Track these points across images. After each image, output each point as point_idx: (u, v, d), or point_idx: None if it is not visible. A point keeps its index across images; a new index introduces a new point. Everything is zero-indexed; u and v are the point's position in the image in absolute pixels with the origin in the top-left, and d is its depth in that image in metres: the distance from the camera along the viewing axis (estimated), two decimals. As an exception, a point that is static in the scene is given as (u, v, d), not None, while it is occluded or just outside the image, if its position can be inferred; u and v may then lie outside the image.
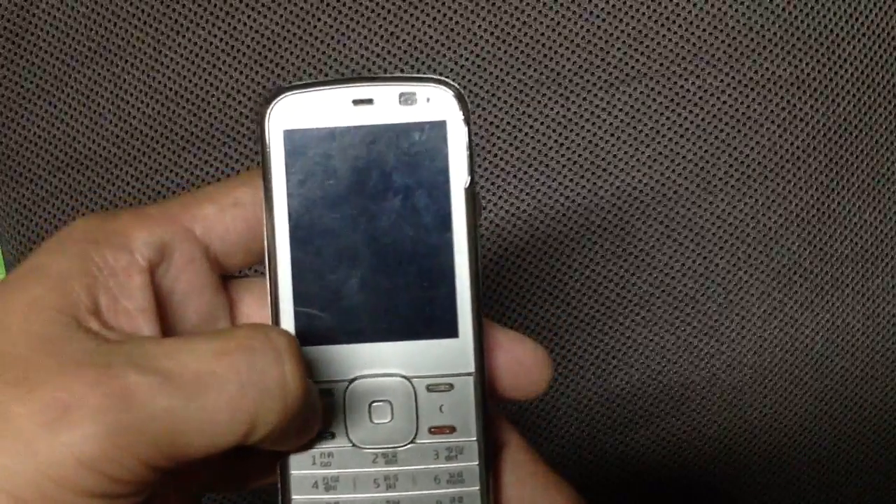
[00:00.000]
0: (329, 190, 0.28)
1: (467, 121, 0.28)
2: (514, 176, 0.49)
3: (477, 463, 0.28)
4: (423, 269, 0.28)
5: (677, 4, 0.47)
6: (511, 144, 0.49)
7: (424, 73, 0.29)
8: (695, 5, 0.47)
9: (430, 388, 0.28)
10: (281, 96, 0.27)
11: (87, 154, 0.48)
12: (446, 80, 0.28)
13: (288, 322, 0.27)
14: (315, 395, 0.26)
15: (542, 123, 0.48)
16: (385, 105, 0.27)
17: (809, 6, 0.48)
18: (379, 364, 0.28)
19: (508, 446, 0.29)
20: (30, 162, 0.48)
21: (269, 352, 0.23)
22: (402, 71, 0.47)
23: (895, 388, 0.52)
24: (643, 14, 0.47)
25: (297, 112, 0.27)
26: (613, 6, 0.47)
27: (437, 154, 0.28)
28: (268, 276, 0.27)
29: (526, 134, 0.48)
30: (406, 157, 0.28)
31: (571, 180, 0.49)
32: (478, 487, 0.28)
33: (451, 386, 0.28)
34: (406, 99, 0.27)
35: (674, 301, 0.50)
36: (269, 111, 0.27)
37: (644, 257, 0.50)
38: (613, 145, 0.49)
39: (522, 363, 0.28)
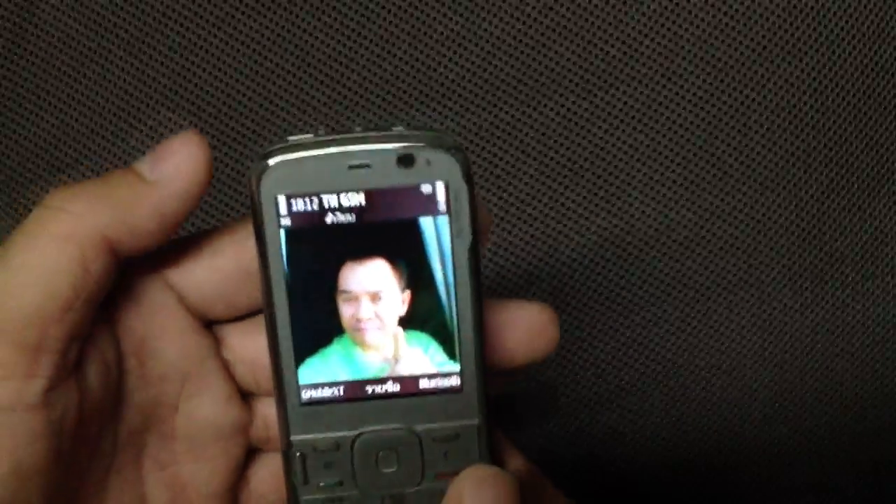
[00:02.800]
0: (328, 254, 0.27)
1: (468, 180, 0.27)
2: (514, 176, 0.49)
3: None
4: (427, 329, 0.28)
5: (677, 5, 0.47)
6: (511, 145, 0.49)
7: (427, 127, 0.28)
8: (695, 6, 0.47)
9: (435, 439, 0.28)
10: (272, 160, 0.26)
11: (87, 155, 0.48)
12: (447, 137, 0.27)
13: (292, 386, 0.28)
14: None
15: (542, 124, 0.48)
16: (382, 169, 0.26)
17: (809, 6, 0.48)
18: (385, 418, 0.28)
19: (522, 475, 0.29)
20: (30, 163, 0.48)
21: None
22: (400, 71, 0.47)
23: (895, 388, 0.52)
24: (642, 14, 0.47)
25: (290, 176, 0.26)
26: (613, 6, 0.47)
27: (439, 216, 0.27)
28: (269, 342, 0.28)
29: (526, 134, 0.48)
30: (406, 219, 0.27)
31: (571, 180, 0.49)
32: None
33: (457, 435, 0.28)
34: (404, 161, 0.26)
35: (675, 301, 0.51)
36: (260, 175, 0.26)
37: (644, 257, 0.50)
38: (613, 145, 0.49)
39: (531, 327, 0.29)
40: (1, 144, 0.48)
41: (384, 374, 0.28)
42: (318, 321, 0.28)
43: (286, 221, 0.27)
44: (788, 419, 0.52)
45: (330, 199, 0.26)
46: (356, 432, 0.28)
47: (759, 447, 0.53)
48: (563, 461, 0.53)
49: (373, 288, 0.27)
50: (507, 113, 0.48)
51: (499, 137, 0.48)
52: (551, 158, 0.49)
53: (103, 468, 0.28)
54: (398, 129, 0.27)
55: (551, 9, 0.47)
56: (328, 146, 0.26)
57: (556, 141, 0.49)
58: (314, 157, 0.26)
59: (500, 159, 0.49)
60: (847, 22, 0.48)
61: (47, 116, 0.48)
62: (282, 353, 0.28)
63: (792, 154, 0.49)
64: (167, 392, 0.28)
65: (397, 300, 0.28)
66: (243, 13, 0.47)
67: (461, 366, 0.28)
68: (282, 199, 0.26)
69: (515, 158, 0.49)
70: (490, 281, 0.50)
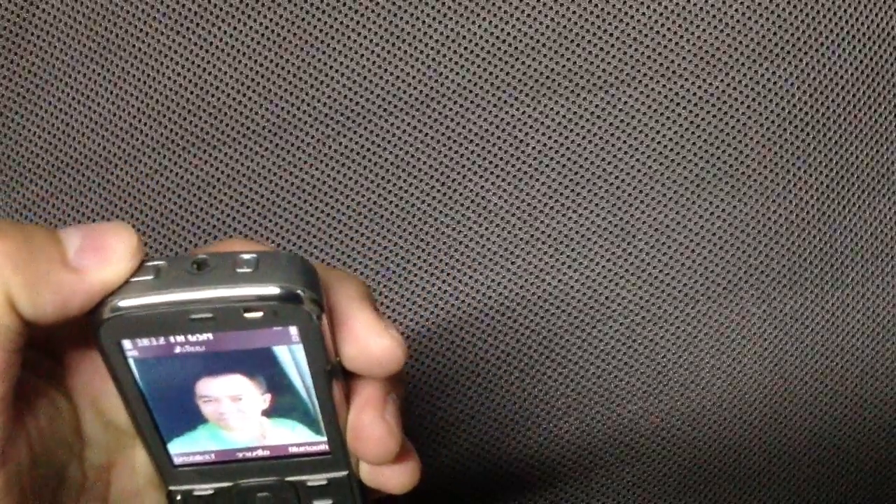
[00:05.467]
0: (182, 374, 0.27)
1: (319, 317, 0.26)
2: (514, 176, 0.49)
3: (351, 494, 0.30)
4: (292, 417, 0.28)
5: (677, 4, 0.47)
6: (511, 144, 0.49)
7: (276, 258, 0.26)
8: (694, 6, 0.47)
9: (309, 485, 0.30)
10: (112, 304, 0.25)
11: (87, 154, 0.48)
12: (294, 275, 0.25)
13: (162, 456, 0.28)
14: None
15: (542, 124, 0.48)
16: (227, 319, 0.25)
17: (809, 6, 0.48)
18: (259, 473, 0.29)
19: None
20: (30, 162, 0.48)
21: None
22: (400, 71, 0.47)
23: (895, 387, 0.52)
24: (642, 14, 0.47)
25: (131, 324, 0.25)
26: (614, 6, 0.47)
27: (292, 345, 0.26)
28: (133, 425, 0.28)
29: (526, 134, 0.48)
30: (258, 348, 0.26)
31: (572, 179, 0.49)
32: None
33: (328, 482, 0.30)
34: (250, 310, 0.25)
35: (674, 301, 0.50)
36: (99, 323, 0.25)
37: (644, 257, 0.50)
38: (613, 145, 0.49)
39: (373, 356, 0.28)
40: (1, 144, 0.48)
41: (253, 445, 0.29)
42: (181, 418, 0.28)
43: (133, 354, 0.26)
44: (788, 419, 0.52)
45: (177, 338, 0.26)
46: (232, 483, 0.29)
47: (759, 447, 0.53)
48: (564, 462, 0.53)
49: (232, 393, 0.27)
50: (507, 113, 0.48)
51: (499, 137, 0.48)
52: (551, 158, 0.49)
53: (72, 499, 0.28)
54: (247, 256, 0.25)
55: (551, 8, 0.47)
56: (170, 292, 0.25)
57: (556, 141, 0.49)
58: (154, 307, 0.25)
59: (501, 159, 0.49)
60: (847, 22, 0.48)
61: (47, 116, 0.48)
62: (147, 438, 0.28)
63: (792, 154, 0.49)
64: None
65: (258, 400, 0.28)
66: (243, 12, 0.47)
67: (327, 437, 0.29)
68: (126, 342, 0.26)
69: (516, 158, 0.49)
70: (489, 278, 0.50)
